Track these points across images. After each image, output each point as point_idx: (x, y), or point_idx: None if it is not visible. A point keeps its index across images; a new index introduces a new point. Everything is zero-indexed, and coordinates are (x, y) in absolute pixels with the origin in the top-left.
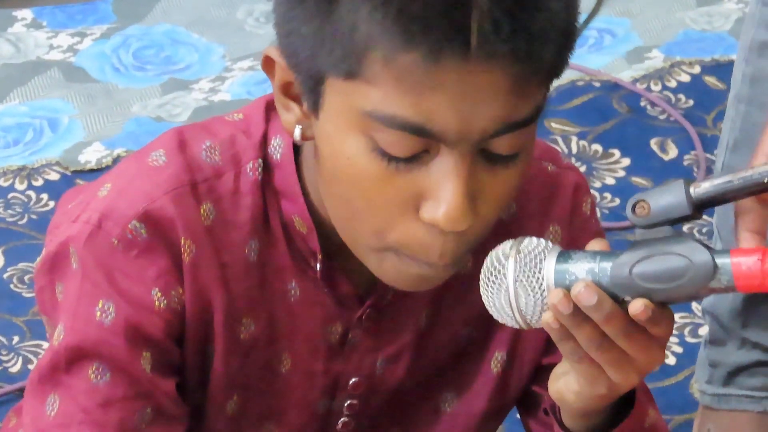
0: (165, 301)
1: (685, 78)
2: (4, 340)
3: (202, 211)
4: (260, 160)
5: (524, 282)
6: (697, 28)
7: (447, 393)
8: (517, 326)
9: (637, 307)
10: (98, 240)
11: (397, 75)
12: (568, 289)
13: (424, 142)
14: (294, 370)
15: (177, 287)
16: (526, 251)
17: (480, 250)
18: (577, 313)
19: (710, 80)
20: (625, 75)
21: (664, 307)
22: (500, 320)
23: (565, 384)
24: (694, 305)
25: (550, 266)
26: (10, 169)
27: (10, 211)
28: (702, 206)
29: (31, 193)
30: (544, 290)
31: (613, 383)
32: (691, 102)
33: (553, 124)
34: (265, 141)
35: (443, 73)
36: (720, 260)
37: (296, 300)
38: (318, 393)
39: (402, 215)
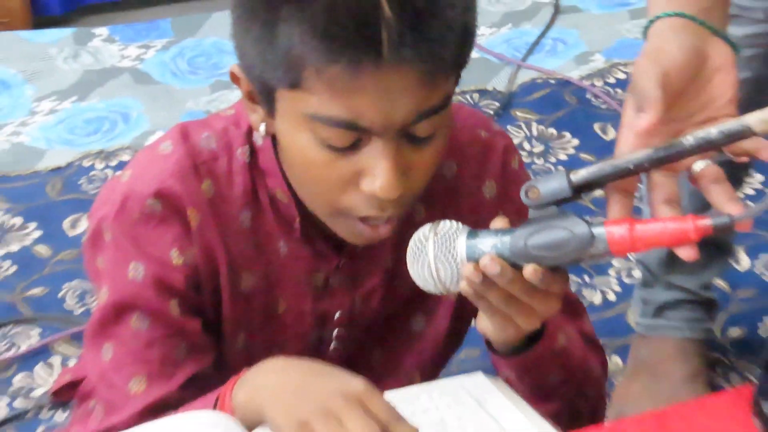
0: (182, 259)
1: (622, 76)
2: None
3: (203, 186)
4: (247, 146)
5: (442, 258)
6: (630, 36)
7: (417, 317)
8: (439, 293)
9: (528, 271)
10: (123, 217)
11: (328, 83)
12: (477, 262)
13: (357, 134)
14: (288, 311)
15: (190, 247)
16: (442, 232)
17: (430, 202)
18: (486, 280)
19: None
20: (575, 74)
21: (556, 269)
22: (425, 289)
23: (485, 324)
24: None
25: (461, 243)
26: (91, 153)
27: (91, 186)
28: (581, 189)
29: (108, 171)
30: (458, 263)
31: (519, 327)
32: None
33: (518, 113)
34: (250, 131)
35: (364, 78)
36: (596, 231)
37: (285, 256)
38: (309, 327)
39: (346, 189)
